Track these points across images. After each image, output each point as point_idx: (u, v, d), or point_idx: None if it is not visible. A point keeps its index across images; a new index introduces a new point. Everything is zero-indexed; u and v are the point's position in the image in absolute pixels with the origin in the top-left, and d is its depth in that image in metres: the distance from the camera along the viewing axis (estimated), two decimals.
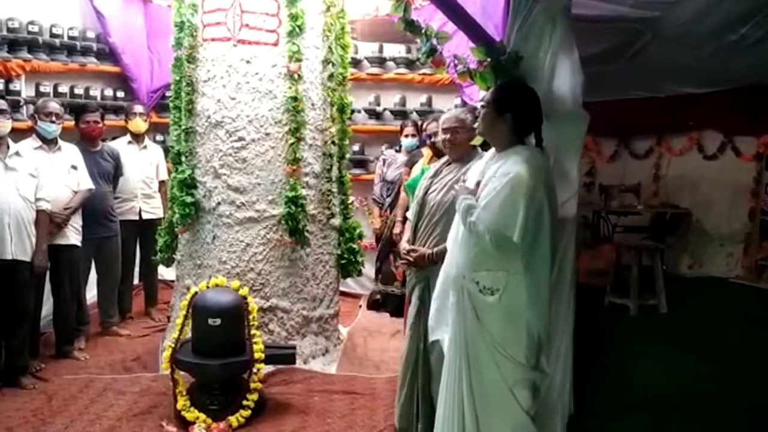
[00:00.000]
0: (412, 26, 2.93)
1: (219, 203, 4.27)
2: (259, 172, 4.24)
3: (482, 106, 2.63)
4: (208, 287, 3.78)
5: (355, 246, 4.73)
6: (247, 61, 4.19)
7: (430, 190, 3.24)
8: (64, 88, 5.30)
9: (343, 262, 4.70)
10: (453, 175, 3.16)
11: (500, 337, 2.49)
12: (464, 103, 5.89)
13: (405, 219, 5.47)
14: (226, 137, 4.23)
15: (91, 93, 5.61)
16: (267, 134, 4.23)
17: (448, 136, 3.17)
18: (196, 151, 4.36)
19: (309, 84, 4.33)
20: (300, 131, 4.22)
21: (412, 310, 3.40)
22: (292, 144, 4.21)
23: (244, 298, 3.75)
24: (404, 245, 3.35)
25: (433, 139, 4.15)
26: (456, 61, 2.98)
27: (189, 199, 4.29)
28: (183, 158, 4.36)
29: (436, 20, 3.63)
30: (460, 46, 3.52)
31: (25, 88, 4.90)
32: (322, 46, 4.41)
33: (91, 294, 5.18)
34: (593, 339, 4.74)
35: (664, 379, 4.20)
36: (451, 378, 2.62)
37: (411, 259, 3.25)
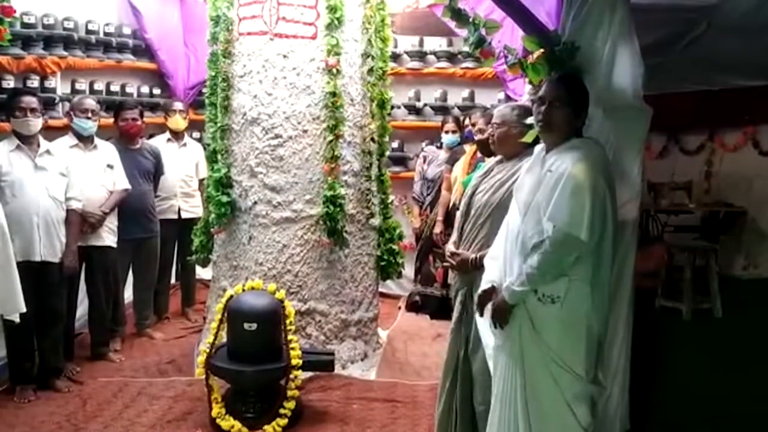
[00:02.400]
0: (458, 15, 2.75)
1: (255, 203, 4.15)
2: (296, 170, 4.10)
3: (540, 101, 2.43)
4: (243, 290, 3.65)
5: (395, 247, 4.56)
6: (284, 56, 4.05)
7: (479, 190, 3.05)
8: (99, 86, 5.23)
9: (382, 263, 4.54)
10: (503, 174, 2.97)
11: (559, 348, 2.31)
12: (508, 98, 5.69)
13: (446, 218, 5.36)
14: (262, 134, 4.10)
15: (128, 90, 5.54)
16: (304, 131, 4.09)
17: (498, 132, 2.98)
18: (232, 149, 4.24)
19: (348, 79, 4.17)
20: (338, 128, 4.07)
21: (454, 315, 3.22)
22: (330, 141, 4.06)
23: (281, 301, 3.62)
24: (449, 247, 3.17)
25: (479, 136, 3.95)
26: (506, 52, 2.78)
27: (225, 199, 4.17)
28: (219, 156, 4.24)
29: (482, 8, 3.43)
30: (507, 36, 3.32)
31: (60, 86, 4.83)
32: (362, 39, 4.25)
33: (129, 294, 5.11)
34: (647, 347, 4.50)
35: (723, 391, 3.92)
36: (505, 393, 2.44)
37: (454, 262, 3.07)
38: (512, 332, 2.40)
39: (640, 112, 2.70)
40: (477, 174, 3.18)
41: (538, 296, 2.32)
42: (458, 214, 3.23)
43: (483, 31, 2.75)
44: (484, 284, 2.61)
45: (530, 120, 2.67)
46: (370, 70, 4.28)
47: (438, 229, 5.30)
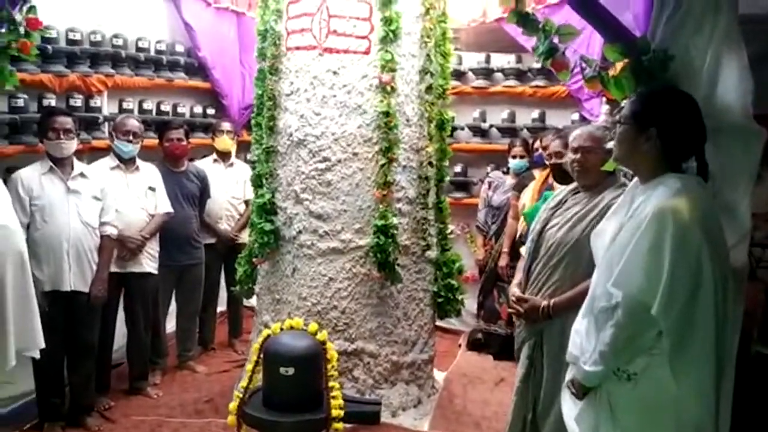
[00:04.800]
0: (526, 20, 2.34)
1: (300, 231, 3.81)
2: (345, 197, 3.74)
3: (619, 122, 1.98)
4: (282, 329, 3.29)
5: (454, 282, 4.13)
6: (334, 72, 3.71)
7: (550, 224, 2.61)
8: (149, 105, 5.04)
9: (440, 300, 4.10)
10: (581, 207, 2.53)
11: None
12: (583, 119, 5.22)
13: (512, 249, 4.91)
14: (309, 157, 3.76)
15: (179, 110, 5.34)
16: (355, 154, 3.73)
17: (578, 157, 2.55)
18: (277, 172, 3.92)
19: (404, 97, 3.79)
20: (392, 151, 3.69)
21: (519, 371, 2.77)
22: (383, 165, 3.69)
23: (323, 343, 3.23)
24: (514, 290, 2.74)
25: (556, 160, 3.50)
26: (583, 63, 2.34)
27: (268, 227, 3.85)
28: (263, 181, 3.93)
29: (557, 17, 2.99)
30: (583, 46, 2.88)
31: (107, 105, 4.65)
32: (420, 54, 3.87)
33: (172, 324, 4.86)
34: (743, 401, 3.89)
35: None
36: None
37: (521, 309, 2.63)
38: (588, 412, 1.93)
39: (750, 133, 2.19)
40: (546, 205, 2.74)
41: (613, 368, 1.86)
42: (524, 251, 2.80)
43: (555, 39, 2.32)
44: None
45: (612, 143, 2.23)
46: (429, 88, 3.89)
47: (503, 261, 4.86)
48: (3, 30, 2.95)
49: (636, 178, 1.99)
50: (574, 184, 2.72)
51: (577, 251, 2.52)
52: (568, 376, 2.11)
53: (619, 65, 2.37)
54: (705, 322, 1.75)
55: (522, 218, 4.55)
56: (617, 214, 1.97)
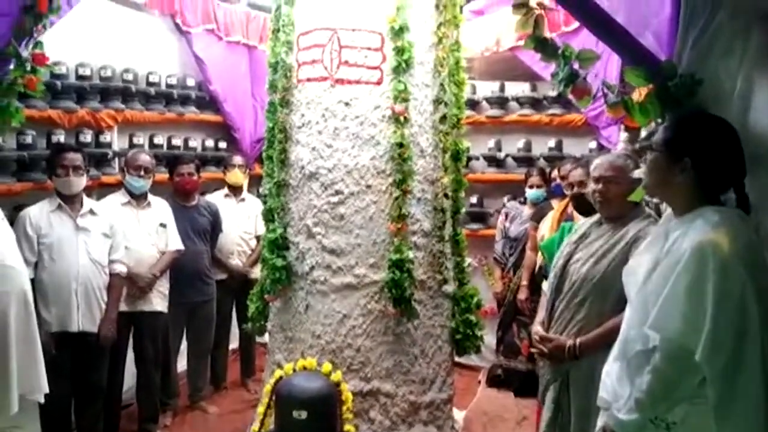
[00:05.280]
0: (544, 45, 2.24)
1: (313, 267, 3.69)
2: (358, 230, 3.63)
3: (650, 149, 1.86)
4: (294, 370, 3.18)
5: (472, 317, 3.97)
6: (346, 103, 3.63)
7: (574, 259, 2.48)
8: (160, 140, 4.99)
9: (458, 336, 3.94)
10: (605, 240, 2.40)
11: None
12: (601, 147, 5.10)
13: (531, 282, 4.76)
14: (321, 191, 3.66)
15: (191, 144, 5.29)
16: (368, 186, 3.63)
17: (600, 187, 2.43)
18: (289, 206, 3.82)
19: (417, 128, 3.70)
20: (407, 182, 3.58)
21: (546, 415, 2.62)
22: (397, 198, 3.58)
23: (337, 384, 3.13)
24: (537, 329, 2.60)
25: (577, 190, 3.37)
26: (605, 90, 2.23)
27: (280, 263, 3.73)
28: (275, 215, 3.83)
29: (575, 43, 2.90)
30: (600, 70, 2.78)
31: (117, 140, 4.61)
32: (433, 83, 3.79)
33: (183, 363, 4.74)
34: None
35: None
36: None
37: (545, 349, 2.48)
38: None
39: None
40: (569, 239, 2.61)
41: (649, 417, 1.71)
42: (546, 286, 2.67)
43: (575, 64, 2.22)
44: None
45: (638, 172, 2.11)
46: (443, 118, 3.80)
47: (523, 294, 4.72)
48: (10, 66, 2.90)
49: (669, 210, 1.86)
50: (596, 216, 2.59)
51: (604, 287, 2.38)
52: (600, 422, 1.96)
53: (641, 90, 2.27)
54: (752, 367, 1.59)
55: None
56: (650, 250, 1.83)
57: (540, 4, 2.24)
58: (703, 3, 2.09)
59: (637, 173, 2.20)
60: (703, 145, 1.78)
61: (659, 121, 2.24)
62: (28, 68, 2.89)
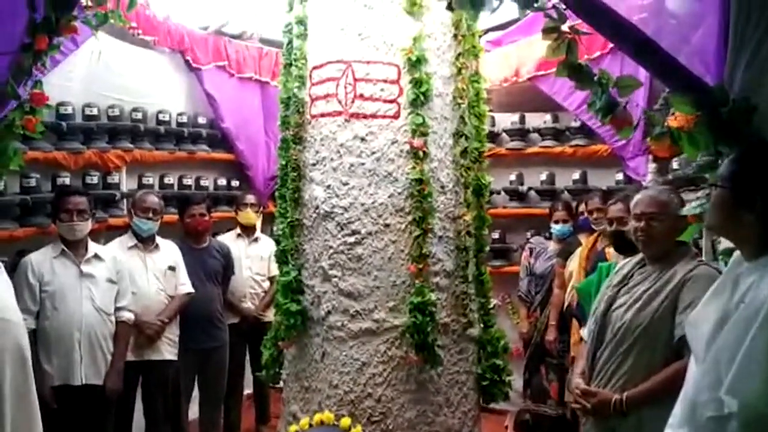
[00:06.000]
0: (579, 72, 2.04)
1: (329, 312, 3.49)
2: (377, 272, 3.43)
3: (715, 185, 1.66)
4: (311, 425, 2.94)
5: (499, 362, 3.73)
6: (362, 139, 3.46)
7: (616, 304, 2.27)
8: (170, 179, 4.85)
9: (484, 383, 3.70)
10: (650, 283, 2.19)
11: None
12: (628, 179, 4.91)
13: (559, 322, 4.52)
14: (337, 231, 3.47)
15: (202, 183, 5.16)
16: (386, 226, 3.44)
17: (642, 225, 2.22)
18: (303, 248, 3.64)
19: (437, 162, 3.52)
20: (427, 221, 3.39)
21: None
22: (417, 237, 3.38)
23: None
24: (577, 381, 2.37)
25: (617, 227, 3.13)
26: (647, 119, 2.04)
27: (294, 307, 3.54)
28: (289, 257, 3.65)
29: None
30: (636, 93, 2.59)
31: (126, 181, 4.47)
32: (453, 116, 3.62)
33: (194, 410, 4.52)
34: None
35: None
36: None
37: (587, 405, 2.25)
38: None
39: None
40: (609, 281, 2.39)
41: None
42: (585, 333, 2.44)
43: (614, 92, 2.03)
44: None
45: (687, 209, 1.90)
46: (464, 152, 3.62)
47: (551, 335, 4.49)
48: (9, 107, 2.77)
49: (737, 254, 1.64)
50: (638, 256, 2.38)
51: (651, 335, 2.17)
52: None
53: (680, 117, 2.06)
54: None
55: (570, 287, 4.20)
56: (718, 299, 1.61)
57: (572, 28, 2.06)
58: (755, 22, 1.89)
59: (686, 210, 1.99)
60: None
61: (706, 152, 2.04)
62: (27, 108, 2.74)
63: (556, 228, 4.74)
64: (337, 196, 3.48)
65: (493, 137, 5.45)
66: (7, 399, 2.60)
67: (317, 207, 3.55)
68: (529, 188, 5.46)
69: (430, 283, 3.43)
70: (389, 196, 3.45)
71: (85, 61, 4.08)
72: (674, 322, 2.18)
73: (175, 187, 4.91)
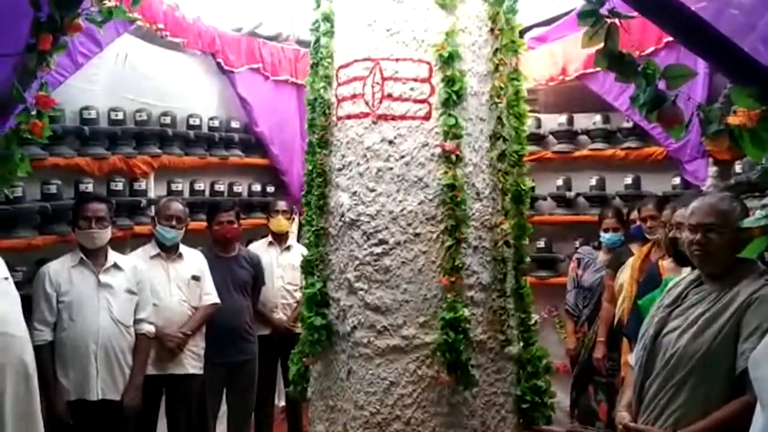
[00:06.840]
0: (620, 62, 1.77)
1: (355, 327, 3.27)
2: (406, 285, 3.20)
3: None
4: None
5: (541, 383, 3.45)
6: (390, 142, 3.24)
7: (668, 328, 1.99)
8: (201, 185, 4.73)
9: (525, 405, 3.42)
10: (709, 304, 1.93)
11: None
12: (686, 184, 4.56)
13: (608, 338, 4.20)
14: (363, 240, 3.26)
15: (236, 189, 5.02)
16: (416, 235, 3.21)
17: (698, 237, 1.94)
18: (329, 258, 3.44)
19: (472, 167, 3.27)
20: (460, 229, 3.15)
21: None
22: (450, 247, 3.14)
23: None
24: (623, 416, 2.10)
25: (673, 234, 2.80)
26: (701, 114, 1.75)
27: (319, 321, 3.34)
28: (314, 268, 3.45)
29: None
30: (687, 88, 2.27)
31: (154, 187, 4.36)
32: (489, 117, 3.36)
33: (223, 427, 4.37)
34: None
35: None
36: None
37: None
38: None
39: None
40: (660, 301, 2.10)
41: None
42: (632, 360, 2.16)
43: (662, 84, 1.74)
44: None
45: (750, 220, 1.61)
46: (502, 155, 3.36)
47: (600, 352, 4.20)
48: (17, 111, 2.65)
49: None
50: (695, 273, 2.08)
51: (709, 365, 1.89)
52: None
53: (743, 113, 1.77)
54: None
55: (620, 301, 3.89)
56: None
57: (612, 12, 1.78)
58: None
59: (747, 221, 1.71)
60: None
61: None
62: (33, 112, 2.61)
63: (605, 237, 4.44)
64: (364, 203, 3.27)
65: (539, 140, 5.23)
66: (8, 417, 2.48)
67: (342, 215, 3.34)
68: (578, 194, 5.19)
69: (464, 297, 3.20)
70: (419, 203, 3.22)
71: (110, 64, 3.99)
72: (737, 351, 1.90)
73: (207, 193, 4.79)
